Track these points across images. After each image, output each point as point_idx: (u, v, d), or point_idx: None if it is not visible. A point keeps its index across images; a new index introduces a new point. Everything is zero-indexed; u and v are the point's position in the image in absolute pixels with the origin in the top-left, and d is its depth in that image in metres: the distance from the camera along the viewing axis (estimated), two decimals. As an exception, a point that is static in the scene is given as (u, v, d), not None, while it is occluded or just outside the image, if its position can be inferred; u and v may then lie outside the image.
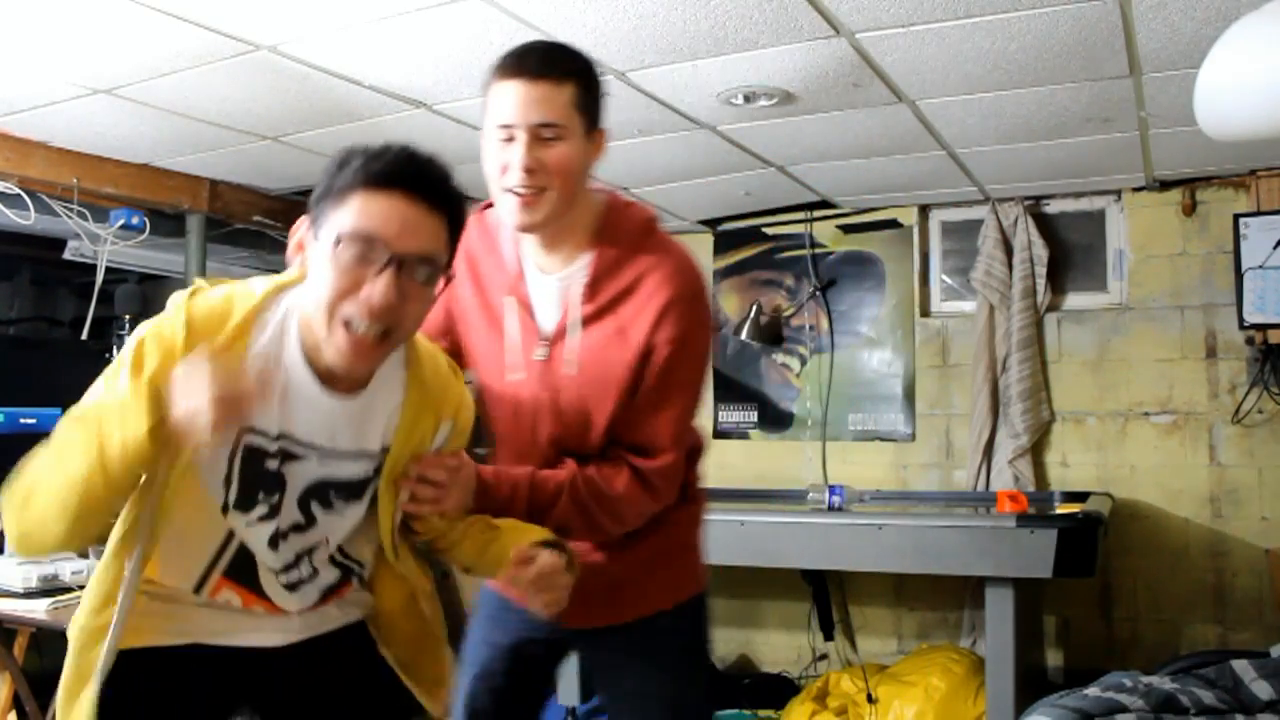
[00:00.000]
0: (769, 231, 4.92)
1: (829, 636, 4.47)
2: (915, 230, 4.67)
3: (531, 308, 1.71)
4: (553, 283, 1.70)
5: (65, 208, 3.63)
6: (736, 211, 4.79)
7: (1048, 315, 4.41)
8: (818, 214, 4.76)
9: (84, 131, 3.43)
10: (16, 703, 3.06)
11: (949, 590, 4.39)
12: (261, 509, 1.43)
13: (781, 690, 4.33)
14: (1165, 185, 4.22)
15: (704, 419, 5.02)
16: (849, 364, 4.77)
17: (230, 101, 3.12)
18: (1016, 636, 3.18)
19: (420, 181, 1.36)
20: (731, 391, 5.00)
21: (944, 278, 4.70)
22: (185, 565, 1.45)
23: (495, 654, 1.87)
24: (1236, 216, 3.92)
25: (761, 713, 4.12)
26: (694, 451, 1.83)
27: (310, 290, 1.36)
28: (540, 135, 1.58)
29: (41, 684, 3.11)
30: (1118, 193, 4.34)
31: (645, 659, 1.79)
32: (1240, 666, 2.86)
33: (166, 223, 3.99)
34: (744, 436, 4.97)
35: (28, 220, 3.53)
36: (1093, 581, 4.00)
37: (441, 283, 1.43)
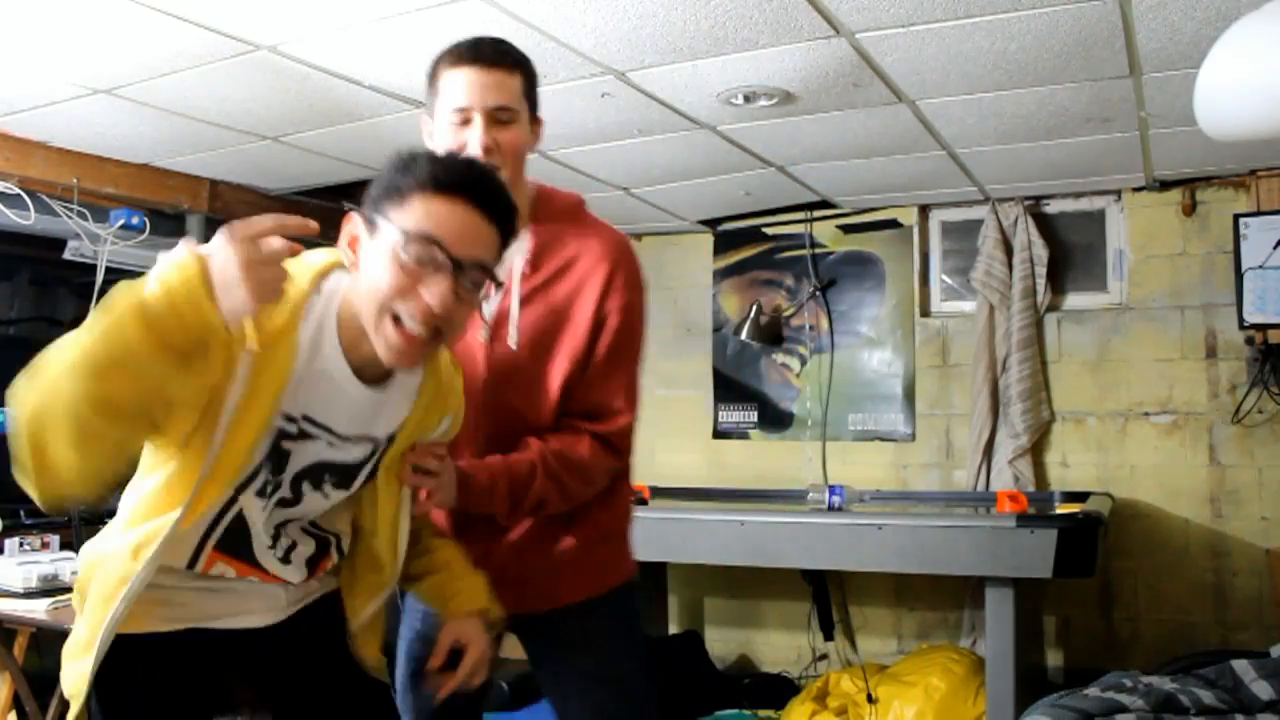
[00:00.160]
0: (769, 231, 4.92)
1: (829, 636, 4.47)
2: (915, 230, 4.67)
3: None
4: None
5: (65, 208, 3.63)
6: (736, 211, 4.79)
7: (1048, 315, 4.41)
8: (818, 214, 4.76)
9: (84, 131, 3.43)
10: (16, 703, 3.06)
11: (949, 590, 4.39)
12: (260, 483, 1.44)
13: (781, 690, 4.33)
14: (1165, 185, 4.22)
15: (705, 419, 5.03)
16: (849, 364, 4.77)
17: (230, 101, 3.13)
18: (1016, 636, 3.18)
19: (482, 191, 1.39)
20: (731, 391, 5.00)
21: (944, 278, 4.70)
22: (183, 538, 1.44)
23: (428, 649, 1.87)
24: (1236, 216, 3.92)
25: (761, 713, 4.11)
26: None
27: (364, 285, 1.38)
28: (496, 118, 1.68)
29: (41, 684, 3.11)
30: (1118, 193, 4.35)
31: (584, 643, 1.83)
32: (1240, 666, 2.86)
33: (166, 223, 3.99)
34: (744, 436, 4.97)
35: (28, 220, 3.54)
36: (1093, 581, 4.00)
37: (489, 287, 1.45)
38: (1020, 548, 3.08)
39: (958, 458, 4.54)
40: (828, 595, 4.45)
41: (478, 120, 1.67)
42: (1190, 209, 4.21)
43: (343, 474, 1.51)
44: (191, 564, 1.46)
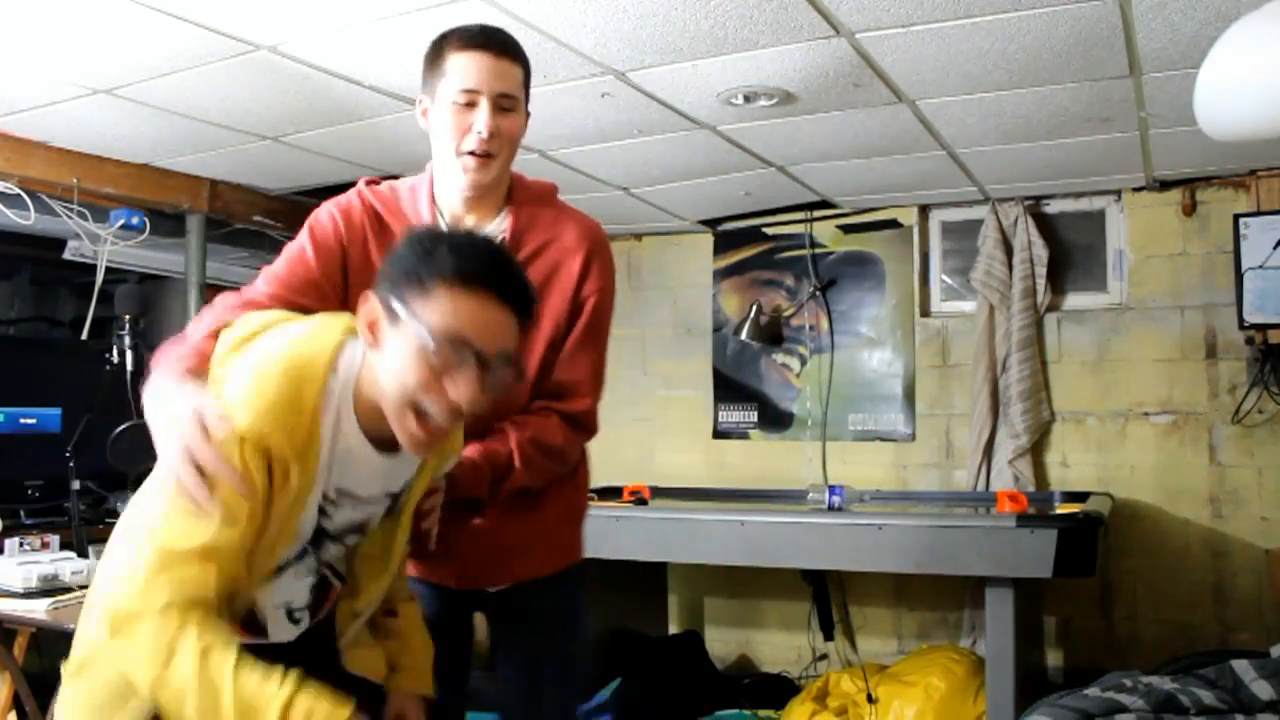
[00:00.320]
0: (769, 231, 4.92)
1: (829, 636, 4.47)
2: (915, 230, 4.67)
3: None
4: None
5: (65, 208, 3.63)
6: (736, 211, 4.79)
7: (1048, 315, 4.41)
8: (818, 214, 4.76)
9: (84, 131, 3.43)
10: (16, 703, 3.06)
11: (949, 590, 4.39)
12: (302, 558, 1.48)
13: (781, 690, 4.33)
14: (1165, 185, 4.22)
15: (705, 419, 5.03)
16: (849, 364, 4.77)
17: (230, 101, 3.13)
18: (1016, 636, 3.18)
19: (506, 282, 1.38)
20: (731, 391, 5.00)
21: (944, 278, 4.70)
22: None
23: None
24: (1236, 216, 3.92)
25: (761, 713, 4.12)
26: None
27: (388, 378, 1.36)
28: (500, 104, 1.74)
29: (41, 684, 3.11)
30: (1118, 193, 4.35)
31: (539, 619, 1.92)
32: (1240, 666, 2.86)
33: (166, 223, 3.99)
34: (744, 436, 4.97)
35: (28, 220, 3.54)
36: (1093, 581, 4.00)
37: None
38: (1020, 548, 3.08)
39: (958, 458, 4.54)
40: (828, 595, 4.45)
41: (484, 104, 1.72)
42: (1190, 209, 4.20)
43: (362, 528, 1.55)
44: None
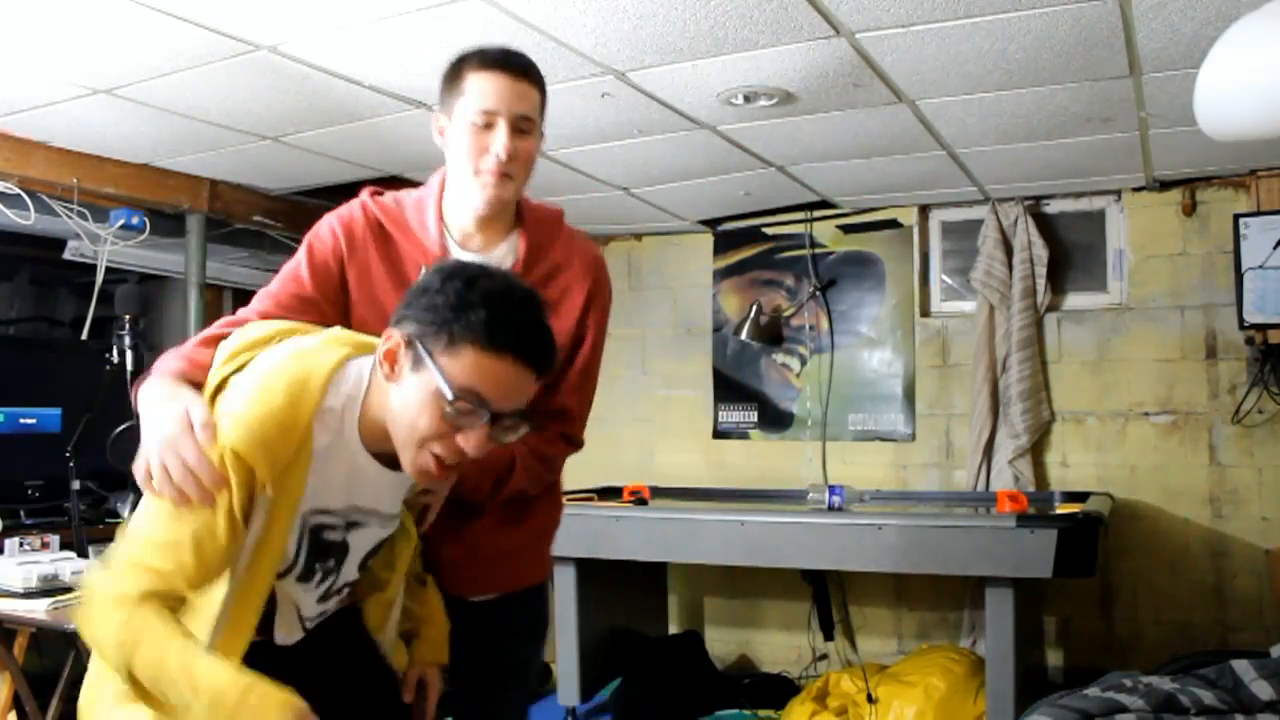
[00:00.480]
0: (769, 231, 4.92)
1: (829, 636, 4.47)
2: (915, 230, 4.67)
3: None
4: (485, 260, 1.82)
5: (65, 208, 3.63)
6: (736, 211, 4.79)
7: (1048, 315, 4.41)
8: (818, 214, 4.76)
9: (84, 131, 3.43)
10: (16, 703, 3.06)
11: (949, 590, 4.39)
12: (319, 575, 1.50)
13: (781, 690, 4.33)
14: (1165, 185, 4.22)
15: (705, 419, 5.03)
16: (849, 364, 4.77)
17: (230, 101, 3.12)
18: (1016, 636, 3.18)
19: (534, 349, 1.40)
20: (731, 391, 5.00)
21: (944, 278, 4.70)
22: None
23: None
24: (1236, 216, 3.92)
25: (761, 713, 4.12)
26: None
27: (401, 417, 1.39)
28: (519, 126, 1.75)
29: (41, 684, 3.11)
30: (1118, 193, 4.35)
31: (517, 629, 1.97)
32: (1240, 666, 2.86)
33: (166, 223, 3.99)
34: (744, 436, 4.97)
35: (28, 220, 3.54)
36: (1093, 581, 4.00)
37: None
38: (1020, 548, 3.08)
39: (958, 458, 4.54)
40: (828, 595, 4.45)
41: (502, 125, 1.73)
42: (1190, 209, 4.21)
43: (390, 539, 1.60)
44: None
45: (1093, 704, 2.67)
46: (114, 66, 2.84)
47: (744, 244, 4.99)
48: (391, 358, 1.39)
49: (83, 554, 3.14)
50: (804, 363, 4.86)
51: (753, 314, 4.78)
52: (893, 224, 4.70)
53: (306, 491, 1.41)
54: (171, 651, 1.29)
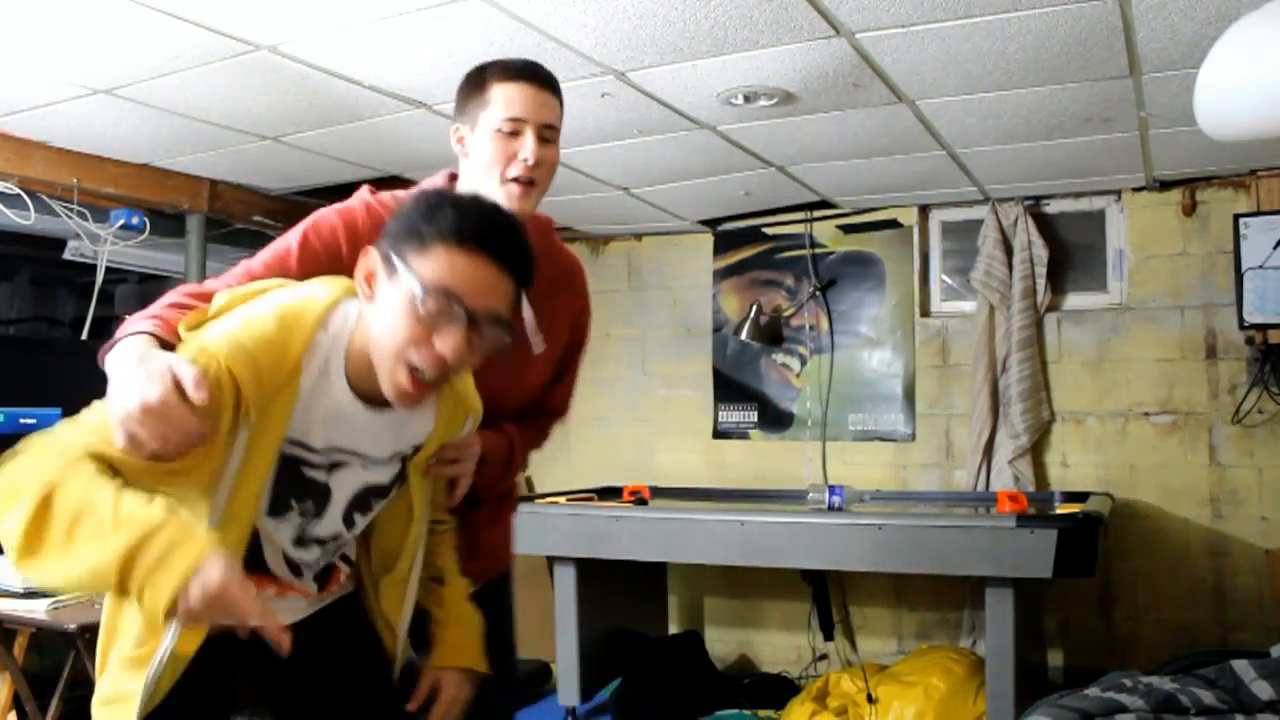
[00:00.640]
0: (769, 231, 4.92)
1: (829, 636, 4.47)
2: (915, 230, 4.67)
3: None
4: None
5: (65, 208, 3.63)
6: (736, 211, 4.79)
7: (1048, 315, 4.41)
8: (818, 214, 4.76)
9: (84, 131, 3.43)
10: (16, 703, 3.06)
11: (949, 590, 4.39)
12: (295, 514, 1.47)
13: (781, 690, 4.33)
14: (1165, 185, 4.22)
15: (705, 419, 5.03)
16: (849, 364, 4.77)
17: (230, 101, 3.12)
18: (1016, 636, 3.18)
19: (506, 244, 1.40)
20: (731, 391, 5.00)
21: (944, 278, 4.70)
22: None
23: None
24: (1236, 216, 3.92)
25: (761, 713, 4.12)
26: None
27: (378, 330, 1.39)
28: (544, 135, 1.80)
29: (41, 684, 3.11)
30: (1118, 193, 4.35)
31: (498, 613, 2.02)
32: (1240, 666, 2.86)
33: (166, 223, 3.99)
34: (744, 436, 4.97)
35: (28, 220, 3.54)
36: (1093, 581, 4.00)
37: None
38: (1020, 548, 3.08)
39: (958, 458, 4.54)
40: (828, 595, 4.45)
41: (529, 133, 1.78)
42: (1190, 209, 4.21)
43: (382, 492, 1.56)
44: None
45: (1093, 704, 2.67)
46: (114, 66, 2.84)
47: (744, 244, 4.99)
48: (369, 276, 1.40)
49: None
50: (804, 363, 4.86)
51: (753, 314, 4.78)
52: (893, 224, 4.70)
53: (292, 421, 1.39)
54: (102, 489, 1.24)
